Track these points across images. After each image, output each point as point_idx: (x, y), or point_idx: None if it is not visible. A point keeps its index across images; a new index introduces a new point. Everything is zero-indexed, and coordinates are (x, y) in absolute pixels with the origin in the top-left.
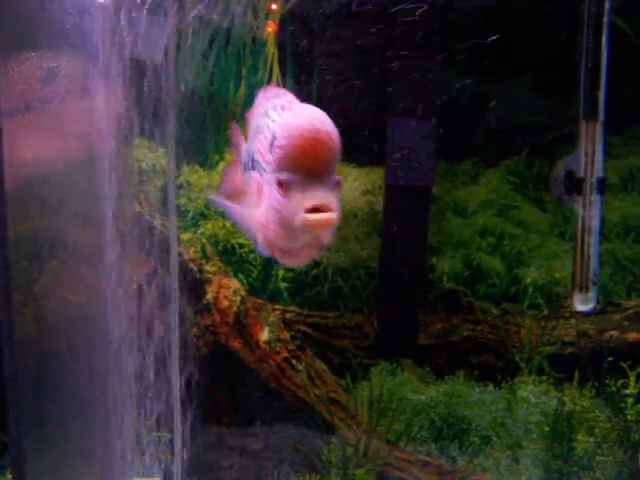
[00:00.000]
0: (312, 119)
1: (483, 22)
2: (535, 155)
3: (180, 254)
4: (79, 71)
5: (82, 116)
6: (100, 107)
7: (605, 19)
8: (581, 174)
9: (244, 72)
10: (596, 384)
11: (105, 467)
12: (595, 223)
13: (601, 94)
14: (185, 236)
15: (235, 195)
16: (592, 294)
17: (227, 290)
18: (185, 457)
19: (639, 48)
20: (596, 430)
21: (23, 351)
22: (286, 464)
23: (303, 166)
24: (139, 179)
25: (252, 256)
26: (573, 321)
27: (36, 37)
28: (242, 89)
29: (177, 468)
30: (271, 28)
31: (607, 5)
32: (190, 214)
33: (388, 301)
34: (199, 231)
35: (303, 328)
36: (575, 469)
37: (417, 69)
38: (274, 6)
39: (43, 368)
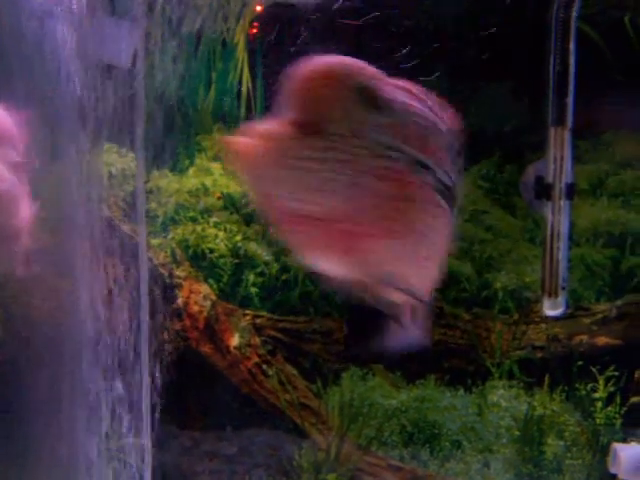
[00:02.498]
0: None
1: (453, 28)
2: (506, 160)
3: (150, 259)
4: (42, 75)
5: (49, 122)
6: (66, 112)
7: (572, 26)
8: (550, 180)
9: (214, 76)
10: (566, 388)
11: (72, 475)
12: (564, 228)
13: (569, 101)
14: (155, 241)
15: None
16: (561, 299)
17: (197, 295)
18: (156, 463)
19: (607, 55)
20: (566, 434)
21: None
22: (259, 469)
23: None
24: (108, 184)
25: (222, 261)
26: (543, 326)
27: None
28: (212, 93)
29: (148, 474)
30: (255, 30)
31: (574, 12)
32: (160, 219)
33: (358, 306)
34: (169, 236)
35: (274, 333)
36: (545, 473)
37: (389, 73)
38: (258, 8)
39: (9, 371)
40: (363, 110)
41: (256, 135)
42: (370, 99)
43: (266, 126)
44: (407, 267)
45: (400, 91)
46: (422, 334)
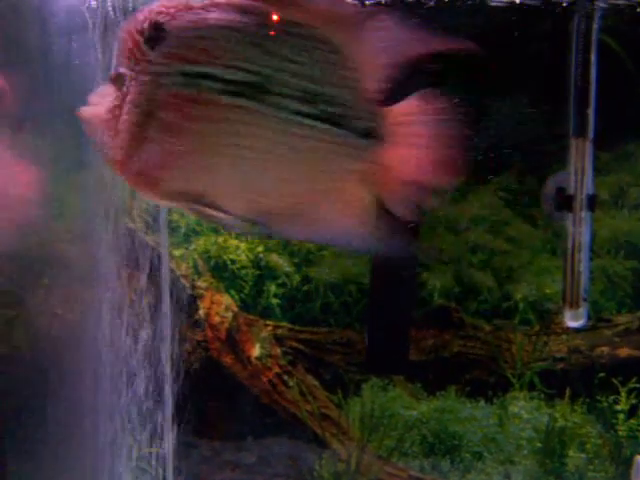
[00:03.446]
0: None
1: (475, 39)
2: (526, 171)
3: (172, 270)
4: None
5: (76, 135)
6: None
7: (594, 38)
8: (571, 191)
9: None
10: (587, 400)
11: None
12: (585, 239)
13: (590, 112)
14: (177, 252)
15: None
16: (583, 310)
17: (219, 306)
18: (178, 472)
19: (628, 66)
20: (588, 446)
21: (13, 366)
22: (279, 479)
23: None
24: (131, 195)
25: (244, 272)
26: (564, 337)
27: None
28: None
29: None
30: None
31: (596, 24)
32: (182, 230)
33: (379, 317)
34: (191, 247)
35: (295, 344)
36: None
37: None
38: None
39: (35, 382)
40: (145, 49)
41: (92, 102)
42: (151, 36)
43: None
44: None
45: (191, 14)
46: None
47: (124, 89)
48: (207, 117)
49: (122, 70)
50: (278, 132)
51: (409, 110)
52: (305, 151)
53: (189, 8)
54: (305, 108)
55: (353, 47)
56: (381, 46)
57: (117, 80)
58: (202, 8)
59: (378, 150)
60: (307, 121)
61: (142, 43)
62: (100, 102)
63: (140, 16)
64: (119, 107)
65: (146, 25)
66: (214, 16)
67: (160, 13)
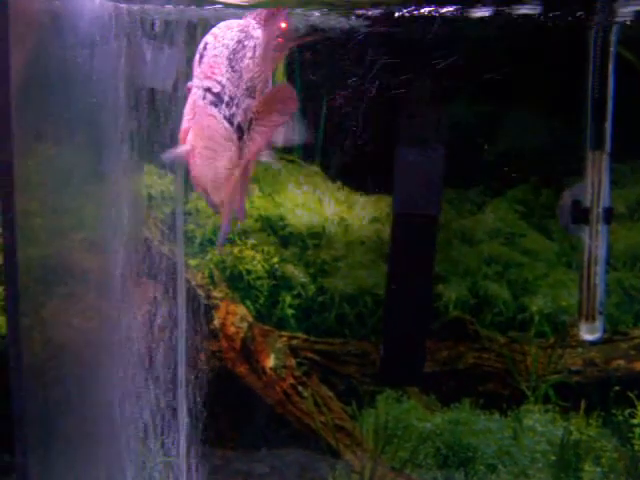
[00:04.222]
0: None
1: (491, 51)
2: (542, 184)
3: (188, 280)
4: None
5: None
6: (110, 135)
7: (611, 50)
8: (588, 204)
9: None
10: (603, 413)
11: None
12: (602, 252)
13: (607, 125)
14: (193, 262)
15: None
16: (599, 323)
17: (234, 316)
18: None
19: None
20: (603, 460)
21: (31, 376)
22: None
23: None
24: (148, 205)
25: (259, 282)
26: (580, 350)
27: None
28: None
29: None
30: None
31: (613, 37)
32: (198, 240)
33: (394, 328)
34: (207, 257)
35: (309, 355)
36: None
37: (425, 97)
38: (283, 25)
39: (51, 393)
40: None
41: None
42: None
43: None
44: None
45: None
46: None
47: None
48: None
49: None
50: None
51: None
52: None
53: None
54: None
55: None
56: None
57: None
58: None
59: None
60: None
61: None
62: None
63: None
64: None
65: None
66: None
67: None
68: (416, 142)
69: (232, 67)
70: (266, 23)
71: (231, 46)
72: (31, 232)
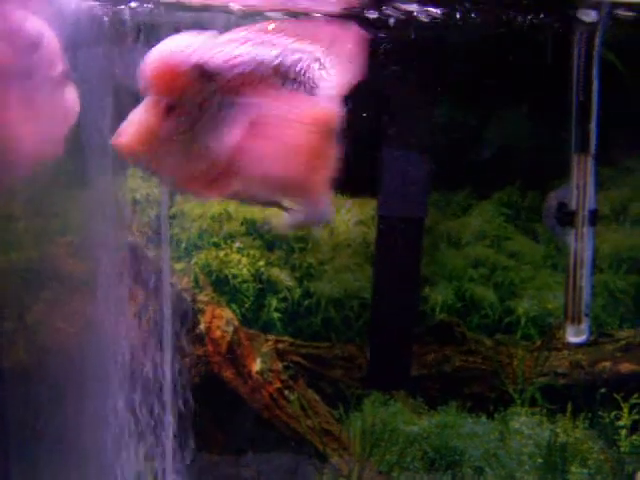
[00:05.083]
0: None
1: (476, 54)
2: (528, 186)
3: (173, 284)
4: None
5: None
6: (95, 138)
7: (595, 53)
8: (573, 206)
9: None
10: (589, 415)
11: None
12: (587, 255)
13: (592, 127)
14: (178, 266)
15: None
16: (584, 325)
17: (220, 320)
18: None
19: (629, 82)
20: (590, 462)
21: (13, 379)
22: None
23: None
24: (133, 209)
25: (245, 286)
26: (566, 352)
27: None
28: None
29: None
30: None
31: (597, 40)
32: (183, 244)
33: (380, 332)
34: (192, 261)
35: (296, 358)
36: None
37: (411, 101)
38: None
39: (34, 397)
40: (199, 82)
41: (130, 130)
42: (203, 72)
43: (134, 118)
44: None
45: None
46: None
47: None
48: None
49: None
50: None
51: None
52: None
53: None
54: None
55: None
56: None
57: (164, 108)
58: None
59: None
60: None
61: (196, 77)
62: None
63: (188, 50)
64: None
65: (196, 60)
66: None
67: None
68: (401, 145)
69: None
70: None
71: None
72: (14, 236)
